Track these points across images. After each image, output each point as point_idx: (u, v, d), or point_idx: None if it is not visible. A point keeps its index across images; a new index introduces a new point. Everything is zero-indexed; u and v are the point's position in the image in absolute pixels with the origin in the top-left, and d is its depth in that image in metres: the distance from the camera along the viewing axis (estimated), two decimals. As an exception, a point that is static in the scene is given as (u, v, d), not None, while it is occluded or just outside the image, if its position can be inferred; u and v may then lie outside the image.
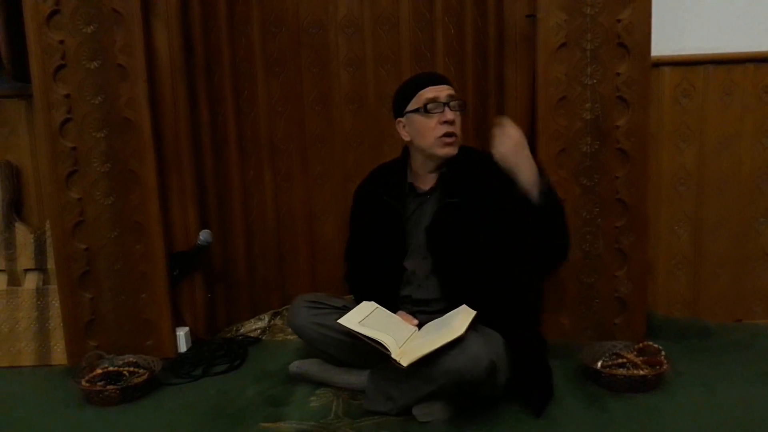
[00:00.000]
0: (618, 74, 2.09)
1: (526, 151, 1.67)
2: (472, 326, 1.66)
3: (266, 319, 2.55)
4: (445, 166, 1.89)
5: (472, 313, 1.71)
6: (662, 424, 1.68)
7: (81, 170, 2.15)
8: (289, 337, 2.39)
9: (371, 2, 2.52)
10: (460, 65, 2.47)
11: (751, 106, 2.34)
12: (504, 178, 1.67)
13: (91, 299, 2.21)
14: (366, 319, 1.76)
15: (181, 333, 2.29)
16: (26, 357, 2.31)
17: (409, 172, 1.97)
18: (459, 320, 1.67)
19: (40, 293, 2.33)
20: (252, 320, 2.54)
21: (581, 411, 1.75)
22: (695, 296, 2.45)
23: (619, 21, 2.06)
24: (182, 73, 2.24)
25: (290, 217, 2.66)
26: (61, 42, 2.08)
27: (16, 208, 2.42)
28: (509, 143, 1.65)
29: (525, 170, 1.65)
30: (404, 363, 1.62)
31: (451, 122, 1.82)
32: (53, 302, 2.31)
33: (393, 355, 1.64)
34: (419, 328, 1.83)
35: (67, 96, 2.11)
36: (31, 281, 2.35)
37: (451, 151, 1.85)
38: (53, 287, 2.30)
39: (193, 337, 2.35)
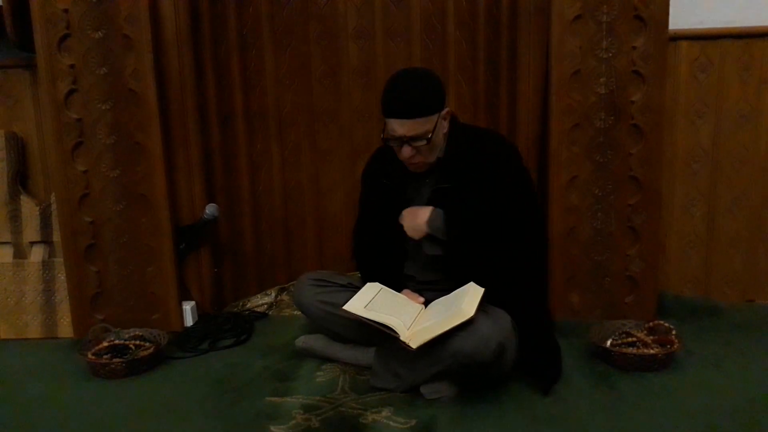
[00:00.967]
0: (634, 48, 2.04)
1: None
2: (481, 305, 1.64)
3: (273, 294, 2.54)
4: (443, 151, 1.85)
5: (480, 290, 1.69)
6: (672, 403, 1.66)
7: (86, 142, 2.13)
8: (295, 312, 2.38)
9: (381, -26, 2.46)
10: (472, 37, 2.42)
11: (770, 82, 2.28)
12: (504, 160, 1.75)
13: (97, 272, 2.21)
14: (371, 302, 1.74)
15: (188, 307, 2.28)
16: (33, 329, 2.31)
17: None
18: (467, 300, 1.64)
19: (46, 266, 2.32)
20: (259, 295, 2.54)
21: (590, 389, 1.74)
22: (707, 275, 2.43)
23: (636, -7, 2.01)
24: (188, 44, 2.20)
25: (297, 191, 2.64)
26: (66, 11, 2.05)
27: (22, 181, 2.41)
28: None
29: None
30: (413, 345, 1.61)
31: (409, 156, 1.77)
32: (59, 275, 2.30)
33: (401, 338, 1.63)
34: (425, 306, 1.81)
35: (72, 66, 2.08)
36: (36, 254, 2.34)
37: (418, 170, 1.84)
38: (59, 260, 2.29)
39: (200, 312, 2.35)
